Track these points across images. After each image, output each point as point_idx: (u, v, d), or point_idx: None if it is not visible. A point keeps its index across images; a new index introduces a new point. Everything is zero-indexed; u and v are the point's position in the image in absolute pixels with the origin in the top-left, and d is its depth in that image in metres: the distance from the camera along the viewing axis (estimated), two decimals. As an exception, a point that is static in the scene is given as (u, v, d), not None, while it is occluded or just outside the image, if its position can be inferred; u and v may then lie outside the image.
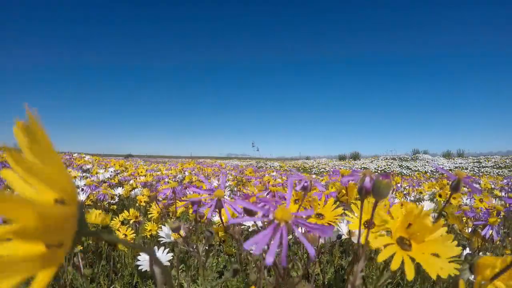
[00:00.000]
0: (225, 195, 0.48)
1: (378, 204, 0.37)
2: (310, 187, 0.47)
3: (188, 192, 1.73)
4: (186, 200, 0.66)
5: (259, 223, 0.97)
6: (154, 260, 0.21)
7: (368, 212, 0.57)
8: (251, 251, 0.83)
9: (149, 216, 1.29)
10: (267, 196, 0.61)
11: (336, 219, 0.57)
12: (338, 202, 0.66)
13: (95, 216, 1.04)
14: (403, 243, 0.35)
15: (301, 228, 0.30)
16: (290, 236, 0.84)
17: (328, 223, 0.56)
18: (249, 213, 0.37)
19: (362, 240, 0.44)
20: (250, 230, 1.03)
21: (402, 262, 0.32)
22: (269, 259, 0.25)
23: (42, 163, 0.17)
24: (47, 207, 0.17)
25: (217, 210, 0.48)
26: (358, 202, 0.58)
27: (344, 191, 0.61)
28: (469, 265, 0.35)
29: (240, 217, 0.44)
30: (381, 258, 0.31)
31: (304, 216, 0.41)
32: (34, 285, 0.16)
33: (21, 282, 0.16)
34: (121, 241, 0.24)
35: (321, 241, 0.74)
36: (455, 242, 0.36)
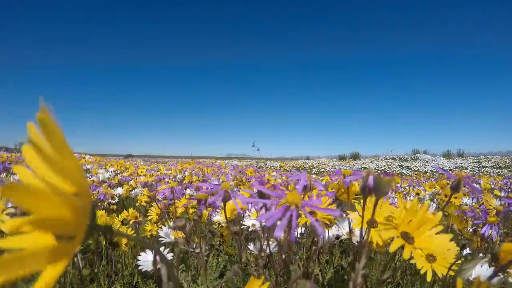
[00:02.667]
0: (231, 188, 0.49)
1: (378, 202, 0.38)
2: (310, 187, 0.47)
3: (187, 192, 1.73)
4: (192, 198, 0.67)
5: (258, 224, 0.97)
6: (161, 258, 0.22)
7: (370, 211, 0.58)
8: (250, 252, 0.83)
9: (149, 217, 1.29)
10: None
11: (327, 216, 0.57)
12: (335, 203, 0.66)
13: (98, 217, 1.04)
14: (407, 237, 0.36)
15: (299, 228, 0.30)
16: (286, 231, 0.84)
17: (324, 219, 0.56)
18: (263, 196, 0.38)
19: (369, 238, 0.44)
20: (250, 230, 1.03)
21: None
22: (278, 233, 0.26)
23: (60, 156, 0.18)
24: (70, 197, 0.17)
25: (220, 207, 0.48)
26: (360, 201, 0.58)
27: (343, 189, 0.62)
28: (492, 254, 0.36)
29: (253, 198, 0.45)
30: (392, 248, 0.33)
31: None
32: (41, 280, 0.16)
33: (25, 276, 0.16)
34: (129, 236, 0.24)
35: (321, 241, 0.74)
36: (453, 241, 0.37)
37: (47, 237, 0.17)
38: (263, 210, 0.51)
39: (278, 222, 0.27)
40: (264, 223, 0.26)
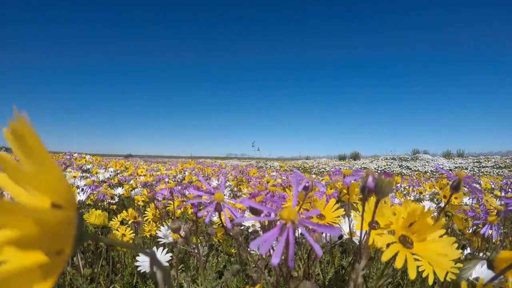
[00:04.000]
0: (224, 197, 0.48)
1: (379, 203, 0.37)
2: (311, 187, 0.47)
3: (187, 193, 1.73)
4: (186, 201, 0.66)
5: (258, 224, 0.97)
6: (154, 261, 0.21)
7: (371, 212, 0.57)
8: (251, 252, 0.82)
9: (145, 218, 1.29)
10: (266, 196, 0.61)
11: (336, 220, 0.57)
12: (339, 203, 0.66)
13: (95, 217, 1.04)
14: (406, 242, 0.35)
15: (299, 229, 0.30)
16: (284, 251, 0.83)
17: (328, 223, 0.56)
18: (255, 212, 0.37)
19: (369, 240, 0.44)
20: (250, 230, 1.02)
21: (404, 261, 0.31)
22: (275, 260, 0.24)
23: (36, 167, 0.17)
24: (45, 212, 0.16)
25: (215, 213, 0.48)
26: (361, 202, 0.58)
27: (345, 190, 0.61)
28: (488, 261, 0.35)
29: (244, 217, 0.44)
30: (385, 257, 0.31)
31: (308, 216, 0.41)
32: None
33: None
34: (120, 243, 0.23)
35: (322, 241, 0.74)
36: (456, 244, 0.36)
37: (33, 254, 0.16)
38: (258, 224, 0.50)
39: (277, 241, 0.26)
40: (259, 250, 0.25)
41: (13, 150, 0.17)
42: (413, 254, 0.33)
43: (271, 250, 0.59)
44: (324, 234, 0.78)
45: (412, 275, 0.30)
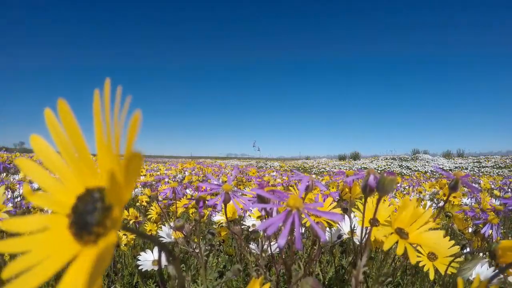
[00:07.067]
0: (233, 189, 0.49)
1: (381, 201, 0.38)
2: (311, 187, 0.47)
3: (187, 192, 1.73)
4: (191, 199, 0.67)
5: (259, 222, 0.97)
6: (166, 253, 0.22)
7: (371, 210, 0.58)
8: (252, 251, 0.83)
9: (149, 216, 1.29)
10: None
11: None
12: (336, 202, 0.66)
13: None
14: (402, 233, 0.37)
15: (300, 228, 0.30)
16: (289, 237, 0.84)
17: (325, 221, 0.56)
18: (262, 200, 0.38)
19: (370, 236, 0.44)
20: (250, 230, 1.03)
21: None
22: (281, 242, 0.26)
23: (82, 151, 0.19)
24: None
25: (221, 208, 0.48)
26: (362, 200, 0.59)
27: (347, 189, 0.62)
28: (490, 251, 0.36)
29: (253, 203, 0.45)
30: (386, 247, 0.33)
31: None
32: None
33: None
34: (145, 235, 0.24)
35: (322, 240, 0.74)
36: (444, 234, 0.38)
37: (64, 237, 0.17)
38: (264, 212, 0.51)
39: (282, 228, 0.27)
40: (265, 232, 0.26)
41: (58, 133, 0.18)
42: (410, 244, 0.35)
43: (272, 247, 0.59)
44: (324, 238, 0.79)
45: (413, 260, 0.31)
